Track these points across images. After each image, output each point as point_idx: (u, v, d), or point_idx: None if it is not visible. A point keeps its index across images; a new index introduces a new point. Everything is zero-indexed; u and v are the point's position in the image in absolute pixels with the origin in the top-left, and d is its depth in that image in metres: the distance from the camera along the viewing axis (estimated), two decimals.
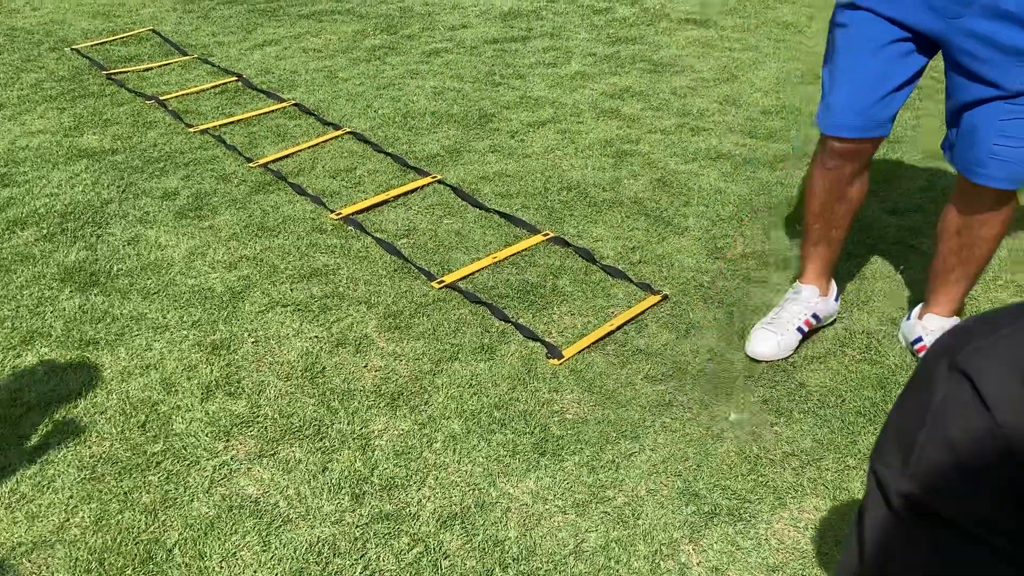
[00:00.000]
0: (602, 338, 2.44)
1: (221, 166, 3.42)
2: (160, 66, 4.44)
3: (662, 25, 4.99)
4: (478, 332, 2.47)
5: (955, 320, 2.31)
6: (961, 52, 1.96)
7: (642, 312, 2.55)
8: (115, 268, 2.77)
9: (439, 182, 3.31)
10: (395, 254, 2.84)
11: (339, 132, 3.70)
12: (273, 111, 3.92)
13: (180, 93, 4.08)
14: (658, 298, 2.61)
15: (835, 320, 2.51)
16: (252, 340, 2.45)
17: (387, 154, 3.52)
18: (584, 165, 3.44)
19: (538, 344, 2.42)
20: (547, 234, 2.96)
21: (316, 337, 2.46)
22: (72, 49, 4.66)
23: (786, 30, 4.88)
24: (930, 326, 2.36)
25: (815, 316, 2.42)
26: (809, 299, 2.42)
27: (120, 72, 4.34)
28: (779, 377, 2.30)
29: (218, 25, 5.04)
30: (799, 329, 2.38)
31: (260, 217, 3.07)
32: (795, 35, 4.81)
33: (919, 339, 2.35)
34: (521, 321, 2.52)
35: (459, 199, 3.20)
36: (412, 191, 3.26)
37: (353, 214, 3.08)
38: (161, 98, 4.01)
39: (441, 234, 2.99)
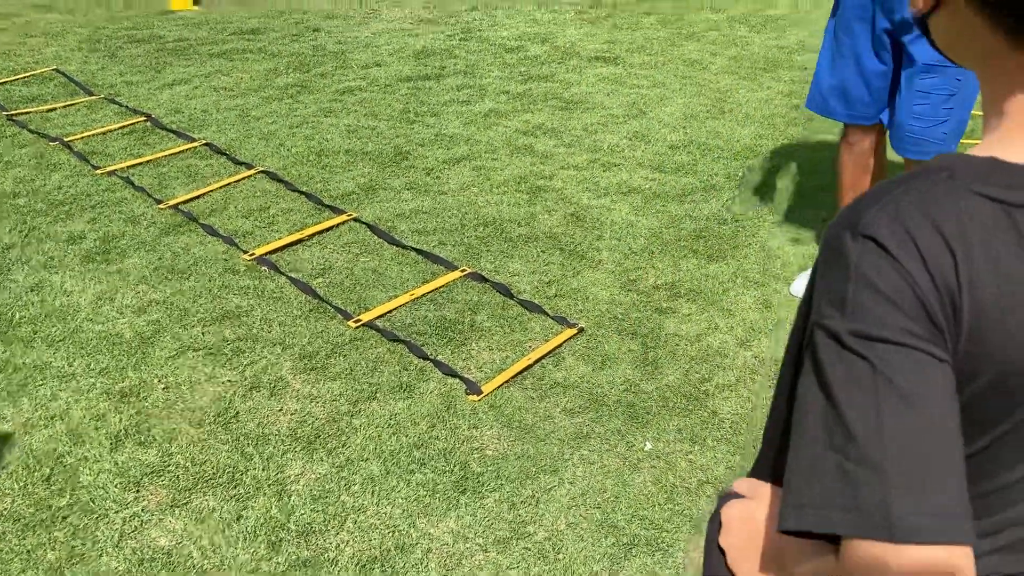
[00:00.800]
0: (520, 372, 2.46)
1: (130, 208, 3.35)
2: (65, 106, 4.33)
3: (572, 63, 5.10)
4: (396, 370, 2.47)
5: None
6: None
7: (559, 345, 2.58)
8: (17, 316, 2.67)
9: (355, 220, 3.31)
10: (310, 294, 2.82)
11: (252, 171, 3.67)
12: (183, 151, 3.86)
13: (86, 134, 3.99)
14: (574, 331, 2.65)
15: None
16: (163, 386, 2.39)
17: (301, 193, 3.50)
18: (500, 201, 3.48)
19: (457, 380, 2.42)
20: (464, 270, 2.97)
21: (229, 381, 2.41)
22: None
23: (691, 67, 5.05)
24: None
25: None
26: None
27: (22, 113, 4.22)
28: (692, 406, 2.35)
29: (126, 64, 4.95)
30: None
31: (170, 259, 3.01)
32: (700, 72, 4.97)
33: None
34: (440, 358, 2.52)
35: (375, 237, 3.20)
36: (327, 230, 3.24)
37: (267, 254, 3.05)
38: (66, 139, 3.91)
39: (357, 272, 2.98)
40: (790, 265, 3.04)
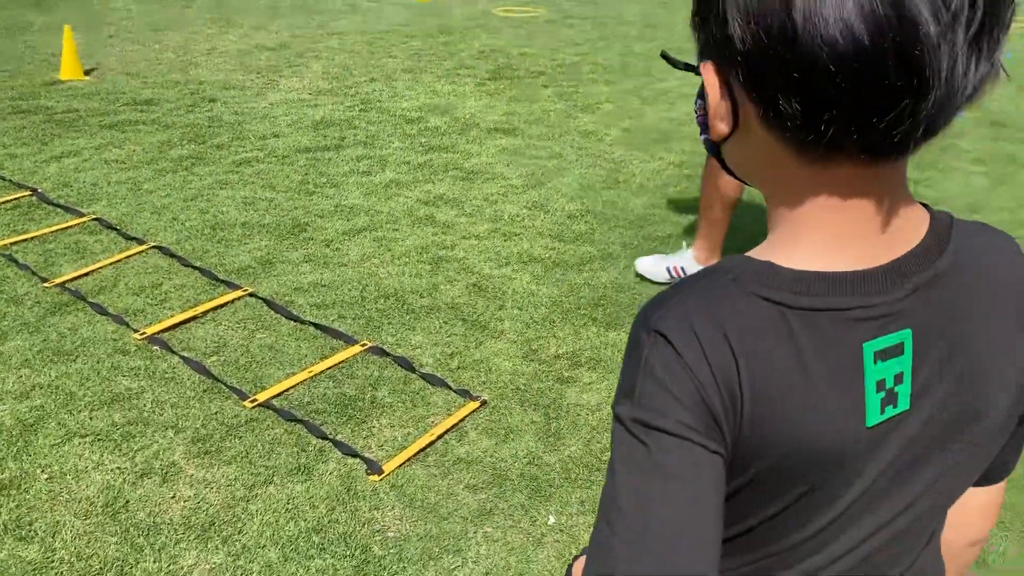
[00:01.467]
0: (423, 449, 2.44)
1: (12, 287, 3.21)
2: None
3: (472, 134, 5.19)
4: (294, 452, 2.41)
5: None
6: None
7: (462, 420, 2.57)
8: None
9: (251, 295, 3.25)
10: (204, 373, 2.74)
11: (143, 247, 3.57)
12: (72, 227, 3.73)
13: None
14: (477, 404, 2.65)
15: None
16: (46, 476, 2.27)
17: (195, 268, 3.43)
18: (401, 272, 3.48)
19: (357, 460, 2.38)
20: (364, 344, 2.95)
21: (118, 468, 2.31)
22: None
23: (587, 138, 5.19)
24: None
25: (684, 272, 3.36)
26: (686, 257, 3.42)
27: None
28: (594, 477, 2.37)
29: (10, 136, 4.79)
30: (668, 269, 3.41)
31: (56, 341, 2.88)
32: (596, 143, 5.12)
33: None
34: (339, 437, 2.48)
35: (272, 312, 3.15)
36: (222, 306, 3.17)
37: (158, 333, 2.96)
38: None
39: (253, 349, 2.91)
40: None
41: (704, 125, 0.76)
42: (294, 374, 2.78)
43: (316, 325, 3.05)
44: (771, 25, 0.62)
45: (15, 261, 3.39)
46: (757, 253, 0.73)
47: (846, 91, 0.62)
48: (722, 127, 0.73)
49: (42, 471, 2.29)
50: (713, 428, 0.68)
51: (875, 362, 0.70)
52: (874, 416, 0.71)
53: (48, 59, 6.35)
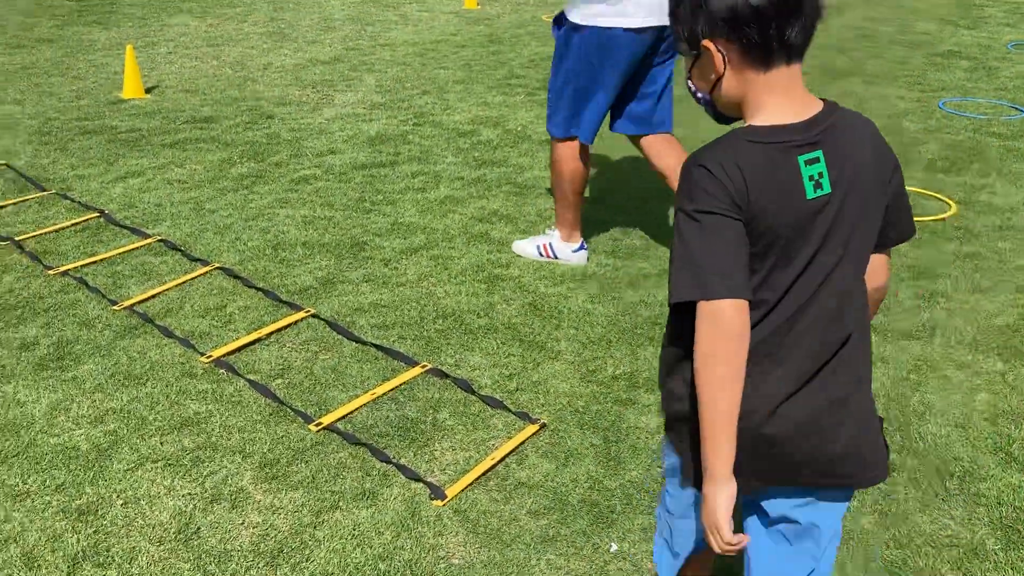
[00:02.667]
0: (484, 473, 2.47)
1: (84, 311, 3.32)
2: (15, 203, 4.30)
3: (524, 147, 5.21)
4: (359, 476, 2.46)
5: None
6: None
7: (522, 443, 2.60)
8: None
9: (313, 316, 3.31)
10: (270, 397, 2.81)
11: (207, 268, 3.66)
12: (138, 248, 3.84)
13: (38, 232, 3.96)
14: (536, 427, 2.67)
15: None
16: (121, 502, 2.35)
17: (258, 289, 3.50)
18: (458, 292, 3.51)
19: (421, 485, 2.42)
20: (425, 366, 2.99)
21: (189, 494, 2.38)
22: None
23: None
24: None
25: (552, 248, 3.77)
26: (554, 237, 3.78)
27: None
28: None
29: (77, 157, 4.94)
30: (537, 247, 3.80)
31: (126, 365, 2.98)
32: None
33: None
34: (403, 461, 2.52)
35: (334, 333, 3.20)
36: (285, 327, 3.24)
37: (224, 356, 3.03)
38: (17, 239, 3.88)
39: (317, 372, 2.97)
40: None
41: (701, 97, 1.44)
42: (357, 396, 2.83)
43: (377, 347, 3.10)
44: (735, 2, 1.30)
45: (86, 283, 3.50)
46: (750, 121, 1.36)
47: (777, 22, 1.30)
48: (720, 68, 1.35)
49: (117, 496, 2.37)
50: (736, 209, 1.31)
51: (805, 165, 1.33)
52: (810, 193, 1.34)
53: (111, 78, 6.52)
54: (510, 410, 2.75)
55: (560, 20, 3.50)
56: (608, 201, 4.41)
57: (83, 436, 2.61)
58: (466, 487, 2.41)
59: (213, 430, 2.65)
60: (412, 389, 2.88)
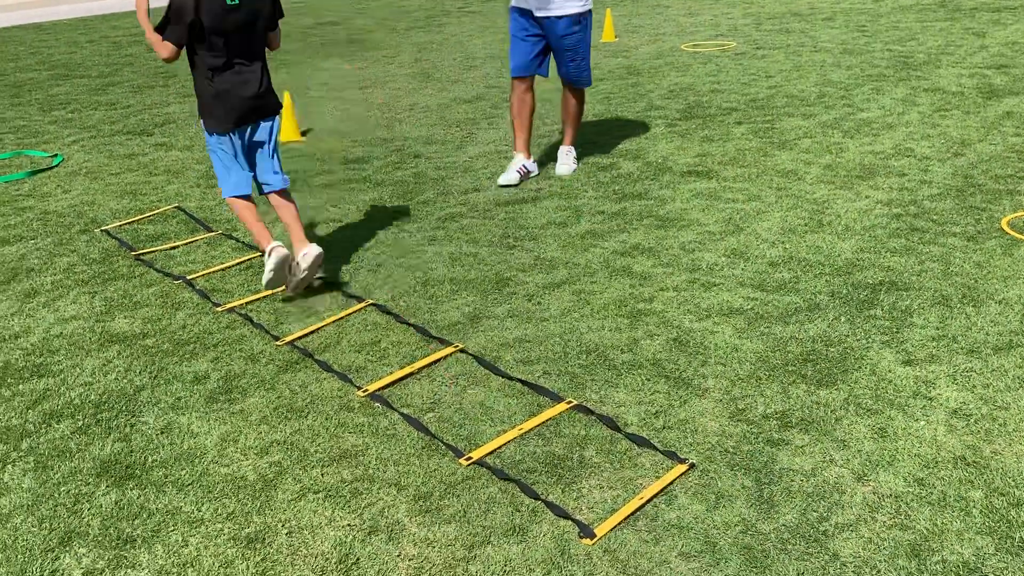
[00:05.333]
0: (633, 513, 2.46)
1: (249, 346, 3.52)
2: (186, 244, 4.62)
3: (665, 179, 5.19)
4: (509, 512, 2.50)
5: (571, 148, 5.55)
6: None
7: (670, 483, 2.58)
8: (150, 459, 2.83)
9: (461, 351, 3.40)
10: (422, 430, 2.90)
11: (362, 304, 3.82)
12: None
13: (206, 271, 4.24)
14: (685, 467, 2.64)
15: (537, 174, 5.43)
16: (286, 531, 2.48)
17: (410, 325, 3.63)
18: (601, 327, 3.53)
19: (570, 523, 2.44)
20: (570, 402, 3.01)
21: (349, 525, 2.48)
22: (102, 231, 4.86)
23: (786, 178, 5.07)
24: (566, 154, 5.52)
25: (525, 168, 5.35)
26: (520, 159, 5.37)
27: (148, 252, 4.53)
28: (812, 549, 2.30)
29: None
30: (517, 171, 5.29)
31: (289, 398, 3.14)
32: (795, 182, 4.99)
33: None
34: (551, 498, 2.54)
35: (482, 368, 3.28)
36: (435, 362, 3.34)
37: (379, 390, 3.16)
38: (189, 277, 4.17)
39: (466, 406, 3.05)
40: (904, 389, 2.98)
41: None
42: (505, 431, 2.88)
43: (523, 382, 3.15)
44: None
45: (250, 320, 3.72)
46: None
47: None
48: None
49: (282, 525, 2.50)
50: (186, 27, 3.62)
51: None
52: (230, 3, 3.62)
53: None
54: (657, 449, 2.74)
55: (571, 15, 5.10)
56: (752, 232, 4.33)
57: (250, 466, 2.77)
58: (615, 526, 2.41)
59: (370, 462, 2.76)
60: (558, 425, 2.90)
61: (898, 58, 7.85)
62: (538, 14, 5.08)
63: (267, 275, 3.75)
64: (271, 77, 3.97)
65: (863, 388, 3.00)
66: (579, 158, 5.63)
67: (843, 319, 3.46)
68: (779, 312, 3.56)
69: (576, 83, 5.31)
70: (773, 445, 2.73)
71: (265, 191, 4.03)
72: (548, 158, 5.68)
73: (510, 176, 5.27)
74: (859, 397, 2.95)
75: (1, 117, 7.55)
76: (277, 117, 4.01)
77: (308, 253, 3.82)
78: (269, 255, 3.73)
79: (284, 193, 4.03)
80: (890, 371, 3.09)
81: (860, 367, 3.13)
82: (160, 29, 3.72)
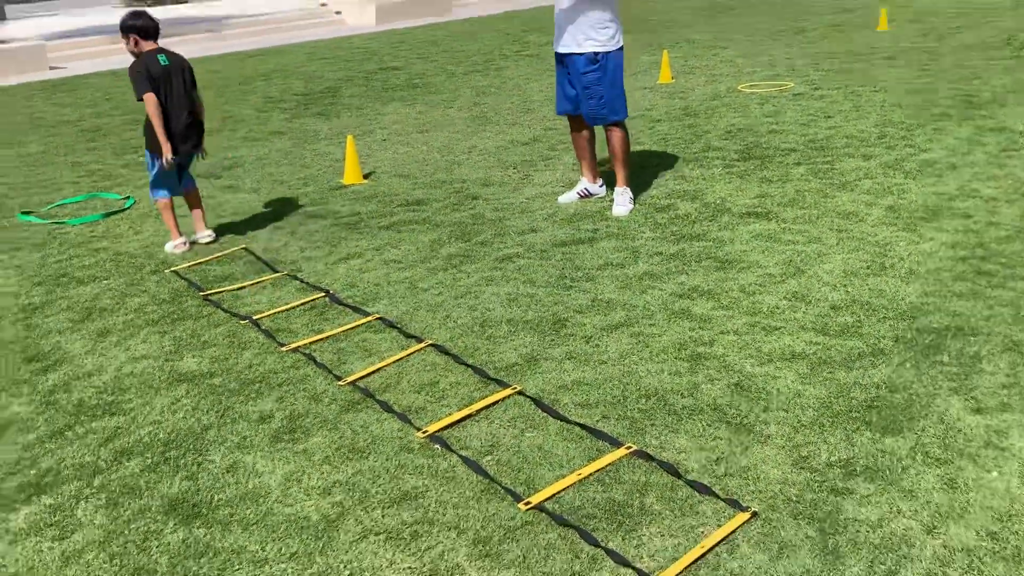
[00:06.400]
0: (694, 561, 2.43)
1: (312, 385, 3.59)
2: (252, 284, 4.74)
3: (724, 220, 5.17)
4: (568, 558, 2.49)
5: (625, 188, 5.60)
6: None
7: (732, 532, 2.54)
8: (216, 498, 2.89)
9: (519, 393, 3.41)
10: (481, 473, 2.91)
11: (422, 345, 3.87)
12: (359, 326, 4.12)
13: (272, 312, 4.34)
14: (747, 515, 2.61)
15: (602, 197, 5.79)
16: (348, 573, 2.50)
17: (468, 366, 3.66)
18: (660, 370, 3.52)
19: (630, 571, 2.42)
20: (629, 447, 3.00)
21: (409, 568, 2.50)
22: (172, 271, 5.01)
23: (847, 219, 5.01)
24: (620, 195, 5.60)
25: (587, 189, 5.77)
26: (584, 183, 5.79)
27: (216, 292, 4.65)
28: None
29: (305, 240, 5.39)
30: (578, 192, 5.75)
31: (351, 438, 3.19)
32: (857, 224, 4.93)
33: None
34: (611, 545, 2.53)
35: (540, 411, 3.28)
36: (494, 404, 3.36)
37: (438, 431, 3.18)
38: (255, 317, 4.27)
39: (524, 449, 3.05)
40: (974, 439, 2.90)
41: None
42: (564, 476, 2.88)
43: (582, 426, 3.14)
44: None
45: (314, 360, 3.80)
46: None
47: None
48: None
49: (344, 567, 2.53)
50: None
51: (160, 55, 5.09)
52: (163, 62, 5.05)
53: (333, 165, 7.10)
54: (719, 496, 2.71)
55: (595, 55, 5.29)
56: (814, 274, 4.28)
57: (313, 507, 2.81)
58: (676, 575, 2.39)
59: (430, 505, 2.78)
60: (617, 471, 2.89)
61: (962, 97, 7.74)
62: (560, 51, 5.36)
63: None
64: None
65: (931, 437, 2.93)
66: (636, 198, 5.64)
67: (908, 365, 3.40)
68: (842, 357, 3.50)
69: (592, 121, 5.45)
70: (838, 494, 2.68)
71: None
72: (607, 199, 5.71)
73: (569, 196, 5.71)
74: (927, 446, 2.89)
75: (77, 161, 7.86)
76: None
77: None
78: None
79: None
80: (959, 419, 3.02)
81: (927, 415, 3.06)
82: None
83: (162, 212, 5.36)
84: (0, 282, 5.02)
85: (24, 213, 6.33)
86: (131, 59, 5.13)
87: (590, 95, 5.32)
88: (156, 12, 16.93)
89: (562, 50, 5.34)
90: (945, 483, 2.70)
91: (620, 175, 5.54)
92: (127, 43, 5.08)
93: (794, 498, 2.68)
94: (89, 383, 3.77)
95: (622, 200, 5.52)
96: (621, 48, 5.32)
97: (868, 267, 4.34)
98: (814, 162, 6.17)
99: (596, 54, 5.23)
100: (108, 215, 6.19)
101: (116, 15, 21.07)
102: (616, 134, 5.45)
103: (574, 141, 5.73)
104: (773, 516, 2.61)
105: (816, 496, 2.68)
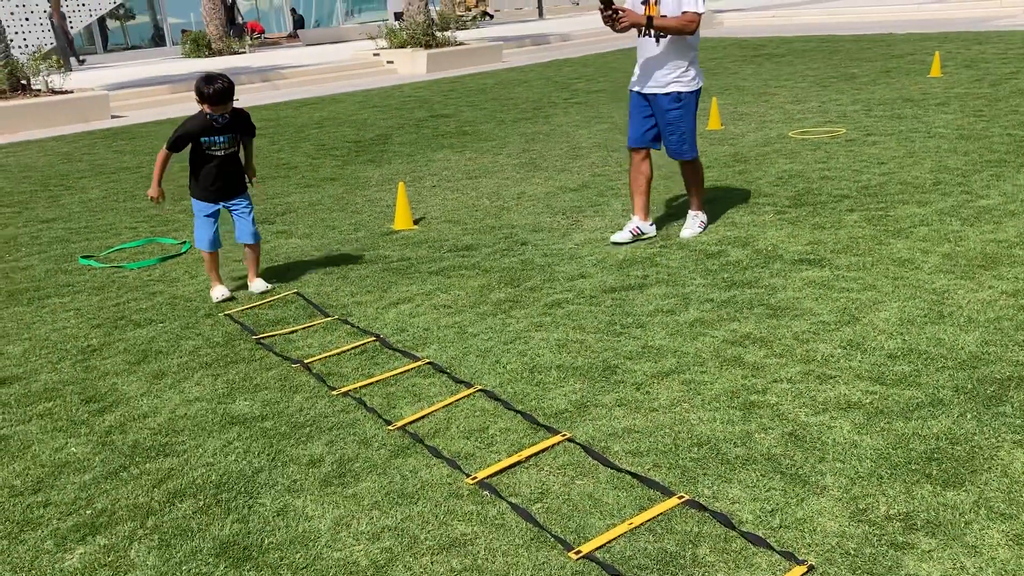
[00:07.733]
0: None
1: (362, 430, 3.60)
2: (304, 328, 4.80)
3: (776, 267, 5.12)
4: None
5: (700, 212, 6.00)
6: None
7: None
8: (266, 542, 2.90)
9: (569, 440, 3.39)
10: (530, 521, 2.88)
11: (471, 390, 3.87)
12: (409, 370, 4.14)
13: (323, 356, 4.39)
14: (804, 569, 2.54)
15: (652, 238, 5.92)
16: None
17: (517, 412, 3.64)
18: (712, 418, 3.47)
19: None
20: (681, 497, 2.95)
21: None
22: (225, 315, 5.10)
23: (903, 267, 4.93)
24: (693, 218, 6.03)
25: (639, 228, 5.87)
26: (636, 221, 5.89)
27: (268, 336, 4.72)
28: None
29: (356, 285, 5.46)
30: (630, 231, 5.83)
31: (400, 483, 3.18)
32: (913, 272, 4.85)
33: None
34: None
35: (590, 458, 3.25)
36: (543, 450, 3.33)
37: (488, 477, 3.17)
38: (306, 361, 4.32)
39: (575, 497, 3.02)
40: None
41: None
42: (614, 525, 2.84)
43: (633, 474, 3.11)
44: None
45: (364, 404, 3.82)
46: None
47: None
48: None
49: None
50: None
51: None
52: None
53: (384, 211, 7.21)
54: (774, 549, 2.64)
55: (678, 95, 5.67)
56: (869, 322, 4.21)
57: (362, 552, 2.81)
58: None
59: (479, 552, 2.75)
60: (669, 520, 2.84)
61: (1019, 142, 7.61)
62: (645, 91, 5.69)
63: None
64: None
65: (994, 491, 2.84)
66: (685, 245, 5.62)
67: (969, 416, 3.30)
68: (900, 407, 3.42)
69: (675, 156, 5.79)
70: (898, 548, 2.60)
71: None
72: (668, 230, 5.70)
73: (623, 235, 5.84)
74: (991, 500, 2.79)
75: (136, 207, 8.08)
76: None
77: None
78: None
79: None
80: None
81: (990, 467, 2.97)
82: None
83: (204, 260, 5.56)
84: (60, 325, 5.15)
85: (84, 257, 6.52)
86: (193, 109, 5.29)
87: (671, 131, 5.69)
88: (214, 62, 17.44)
89: (648, 91, 5.67)
90: (1011, 539, 2.60)
91: (695, 200, 5.95)
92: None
93: (852, 552, 2.61)
94: (144, 424, 3.83)
95: (692, 224, 5.93)
96: (700, 89, 5.71)
97: (925, 315, 4.26)
98: (868, 208, 6.10)
99: (680, 93, 5.60)
100: (164, 259, 6.33)
101: (177, 65, 21.84)
102: (691, 165, 5.87)
103: (634, 177, 5.87)
104: (831, 570, 2.54)
105: (875, 550, 2.60)
